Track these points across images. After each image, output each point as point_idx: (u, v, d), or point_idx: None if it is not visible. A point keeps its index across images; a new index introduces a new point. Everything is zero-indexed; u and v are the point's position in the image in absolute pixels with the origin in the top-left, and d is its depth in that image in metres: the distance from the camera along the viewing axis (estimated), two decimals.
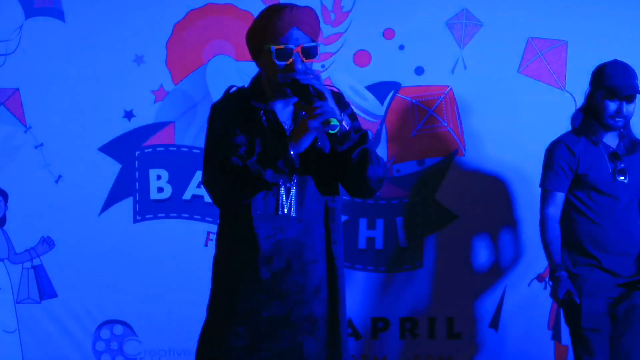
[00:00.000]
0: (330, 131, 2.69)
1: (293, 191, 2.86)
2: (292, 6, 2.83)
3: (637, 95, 3.88)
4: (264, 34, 2.84)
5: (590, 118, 3.91)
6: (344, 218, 4.66)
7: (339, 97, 2.92)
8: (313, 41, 2.84)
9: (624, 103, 3.84)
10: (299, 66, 2.80)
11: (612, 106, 3.84)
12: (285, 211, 2.85)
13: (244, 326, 2.86)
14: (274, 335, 2.85)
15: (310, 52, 2.82)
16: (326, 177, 2.91)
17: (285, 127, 2.89)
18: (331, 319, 2.90)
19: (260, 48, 2.86)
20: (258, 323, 2.85)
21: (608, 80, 3.83)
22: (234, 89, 2.97)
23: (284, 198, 2.85)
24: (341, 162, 2.84)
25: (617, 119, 3.86)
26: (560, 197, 3.91)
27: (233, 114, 2.90)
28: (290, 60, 2.80)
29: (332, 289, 2.91)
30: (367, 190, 2.88)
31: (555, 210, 3.91)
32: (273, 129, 2.88)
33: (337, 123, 2.68)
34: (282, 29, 2.80)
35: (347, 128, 2.75)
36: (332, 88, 2.90)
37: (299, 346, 2.86)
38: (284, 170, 2.75)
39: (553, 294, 3.83)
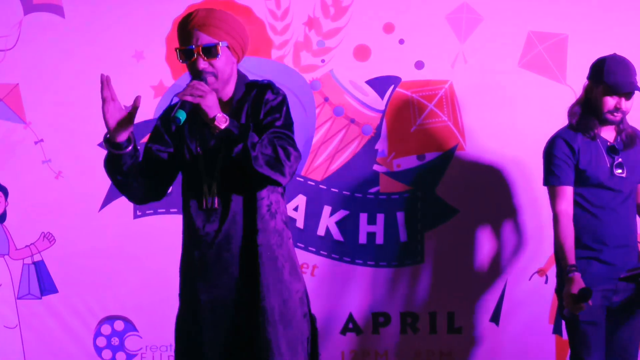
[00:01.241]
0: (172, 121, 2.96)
1: (213, 186, 3.12)
2: (199, 10, 3.12)
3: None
4: (177, 37, 3.17)
5: (587, 113, 3.90)
6: (344, 213, 4.67)
7: (260, 89, 3.17)
8: (222, 40, 3.08)
9: (623, 99, 3.83)
10: (201, 65, 3.06)
11: (611, 102, 3.84)
12: (209, 205, 3.13)
13: (188, 310, 3.24)
14: (213, 316, 3.15)
15: (210, 51, 3.06)
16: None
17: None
18: (255, 305, 3.11)
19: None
20: (197, 306, 3.19)
21: (608, 77, 3.82)
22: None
23: (207, 193, 3.13)
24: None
25: (616, 114, 3.85)
26: (569, 191, 3.87)
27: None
28: (193, 59, 3.07)
29: (255, 277, 3.11)
30: (267, 182, 3.07)
31: (567, 205, 3.86)
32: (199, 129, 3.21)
33: (179, 117, 2.90)
34: (186, 30, 3.10)
35: (222, 126, 2.94)
36: (262, 81, 3.20)
37: (231, 320, 3.14)
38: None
39: (566, 295, 3.79)
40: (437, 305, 4.71)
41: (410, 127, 4.69)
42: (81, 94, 4.69)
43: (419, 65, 4.68)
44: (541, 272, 4.69)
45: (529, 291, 4.69)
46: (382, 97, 4.69)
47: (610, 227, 3.85)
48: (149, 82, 4.70)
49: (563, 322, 4.46)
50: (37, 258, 4.74)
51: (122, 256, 4.71)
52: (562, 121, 4.05)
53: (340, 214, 4.70)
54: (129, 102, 4.64)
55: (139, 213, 4.73)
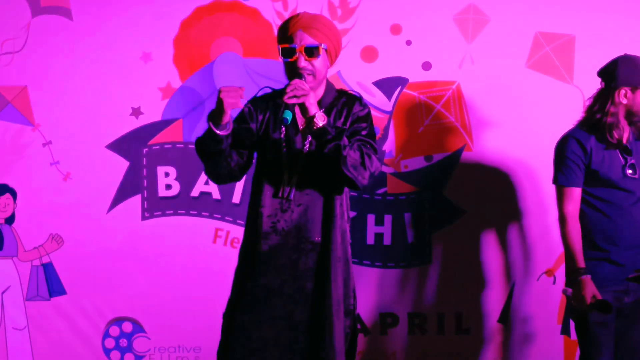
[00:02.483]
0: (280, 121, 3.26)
1: (295, 177, 3.28)
2: (303, 13, 3.32)
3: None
4: (278, 36, 3.33)
5: (620, 118, 3.84)
6: (352, 214, 4.67)
7: (350, 99, 3.37)
8: (323, 43, 3.26)
9: None
10: (302, 64, 3.24)
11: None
12: (285, 195, 3.27)
13: (245, 297, 3.27)
14: (268, 302, 3.24)
15: (312, 52, 3.24)
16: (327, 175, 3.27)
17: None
18: (321, 294, 3.24)
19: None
20: (255, 290, 3.26)
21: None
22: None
23: (286, 183, 3.28)
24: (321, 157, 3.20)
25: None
26: (577, 192, 3.85)
27: (264, 104, 3.42)
28: (294, 57, 3.24)
29: (324, 269, 3.25)
30: (347, 184, 3.24)
31: (574, 207, 3.85)
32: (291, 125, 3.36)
33: (289, 117, 3.12)
34: (290, 30, 3.27)
35: (320, 124, 3.13)
36: (352, 92, 3.41)
37: (289, 314, 3.25)
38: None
39: (576, 299, 3.78)
40: (445, 306, 4.71)
41: (417, 128, 4.69)
42: (89, 96, 4.70)
43: (426, 66, 4.68)
44: (549, 272, 4.68)
45: (537, 292, 4.68)
46: (389, 98, 4.69)
47: (622, 227, 3.83)
48: (157, 84, 4.71)
49: (572, 323, 4.46)
50: (45, 260, 4.75)
51: (130, 258, 4.72)
52: (570, 121, 4.04)
53: None
54: (135, 104, 4.70)
55: (147, 215, 4.73)
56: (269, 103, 3.37)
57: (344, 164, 3.13)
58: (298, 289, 3.26)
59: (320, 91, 3.35)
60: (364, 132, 3.27)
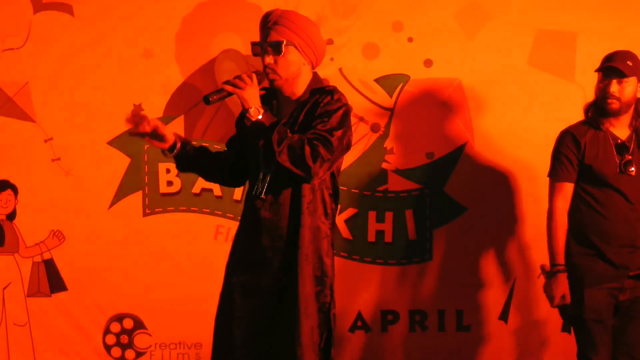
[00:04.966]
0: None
1: (268, 176, 3.25)
2: (275, 10, 3.29)
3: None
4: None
5: (595, 105, 3.91)
6: (353, 211, 4.67)
7: (323, 93, 3.29)
8: (290, 40, 3.23)
9: (614, 83, 3.80)
10: (266, 61, 3.24)
11: (603, 87, 3.84)
12: (257, 192, 3.27)
13: (225, 293, 3.34)
14: (245, 299, 3.28)
15: (276, 48, 3.22)
16: None
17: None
18: (290, 292, 3.24)
19: None
20: (231, 287, 3.32)
21: (602, 63, 3.86)
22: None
23: (261, 181, 3.27)
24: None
25: (610, 101, 3.83)
26: (568, 187, 3.88)
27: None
28: (260, 54, 3.26)
29: (293, 267, 3.24)
30: (293, 175, 3.18)
31: (563, 202, 3.88)
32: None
33: (209, 98, 3.16)
34: (261, 28, 3.28)
35: (253, 119, 3.15)
36: (328, 87, 3.33)
37: (263, 310, 3.26)
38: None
39: (547, 291, 3.86)
40: (446, 303, 4.71)
41: (419, 125, 4.69)
42: (91, 92, 4.70)
43: (428, 63, 4.68)
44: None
45: (537, 289, 4.68)
46: (391, 95, 4.69)
47: (617, 226, 3.84)
48: (159, 81, 4.70)
49: None
50: (46, 256, 4.75)
51: (131, 254, 4.72)
52: (570, 119, 4.05)
53: (349, 212, 4.70)
54: (137, 100, 4.69)
55: (148, 211, 4.74)
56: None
57: (280, 157, 3.11)
58: (271, 286, 3.26)
59: (299, 89, 3.31)
60: (321, 126, 3.18)
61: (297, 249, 3.23)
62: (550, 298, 3.86)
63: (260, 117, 3.15)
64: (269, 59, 3.24)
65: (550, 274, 3.87)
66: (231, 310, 3.30)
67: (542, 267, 3.95)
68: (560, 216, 3.87)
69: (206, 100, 3.16)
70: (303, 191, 3.25)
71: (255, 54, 3.30)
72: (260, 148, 3.16)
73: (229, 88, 3.16)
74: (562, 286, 3.81)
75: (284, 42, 3.22)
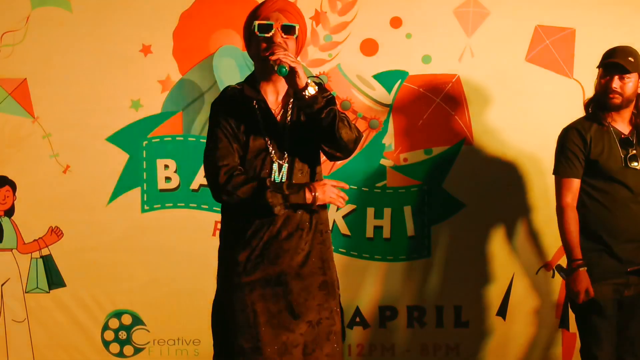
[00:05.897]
0: (278, 72, 3.09)
1: (285, 167, 3.26)
2: None
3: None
4: (253, 17, 3.29)
5: (597, 101, 3.92)
6: (351, 207, 4.68)
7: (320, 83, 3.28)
8: (298, 25, 3.24)
9: (616, 79, 3.83)
10: (279, 39, 3.21)
11: (605, 83, 3.85)
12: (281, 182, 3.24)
13: (240, 269, 3.28)
14: (268, 290, 3.26)
15: (288, 29, 3.23)
16: (311, 152, 3.32)
17: (278, 115, 3.29)
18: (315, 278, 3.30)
19: (251, 31, 3.27)
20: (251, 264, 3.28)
21: (604, 59, 3.87)
22: (230, 87, 3.35)
23: (276, 174, 3.26)
24: (316, 127, 3.18)
25: (612, 96, 3.85)
26: (575, 183, 3.88)
27: (230, 107, 3.29)
28: (271, 33, 3.21)
29: (317, 252, 3.31)
30: (343, 150, 3.24)
31: (572, 198, 3.88)
32: (265, 117, 3.27)
33: (285, 67, 3.07)
34: (267, 11, 3.26)
35: (312, 91, 3.10)
36: (315, 77, 3.31)
37: (285, 285, 3.27)
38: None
39: (571, 288, 3.82)
40: (444, 299, 4.71)
41: (417, 122, 4.69)
42: (89, 89, 4.70)
43: (427, 59, 4.68)
44: (548, 266, 4.69)
45: (535, 285, 4.69)
46: (389, 91, 4.69)
47: (622, 221, 3.84)
48: (157, 77, 4.70)
49: (570, 316, 4.47)
50: (45, 252, 4.75)
51: (129, 250, 4.72)
52: (569, 115, 4.05)
53: (348, 208, 4.70)
54: (135, 96, 4.69)
55: (146, 207, 4.74)
56: (231, 105, 3.30)
57: (343, 124, 3.15)
58: (295, 269, 3.29)
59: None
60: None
61: (320, 232, 3.31)
62: (575, 294, 3.83)
63: (317, 90, 3.12)
64: (281, 39, 3.21)
65: (570, 271, 3.84)
66: (255, 314, 3.26)
67: (559, 267, 3.94)
68: (572, 212, 3.87)
69: (282, 70, 3.07)
70: (317, 177, 3.34)
71: (263, 33, 3.21)
72: (329, 120, 3.12)
73: (290, 63, 3.07)
74: (585, 280, 3.80)
75: (297, 25, 3.24)
